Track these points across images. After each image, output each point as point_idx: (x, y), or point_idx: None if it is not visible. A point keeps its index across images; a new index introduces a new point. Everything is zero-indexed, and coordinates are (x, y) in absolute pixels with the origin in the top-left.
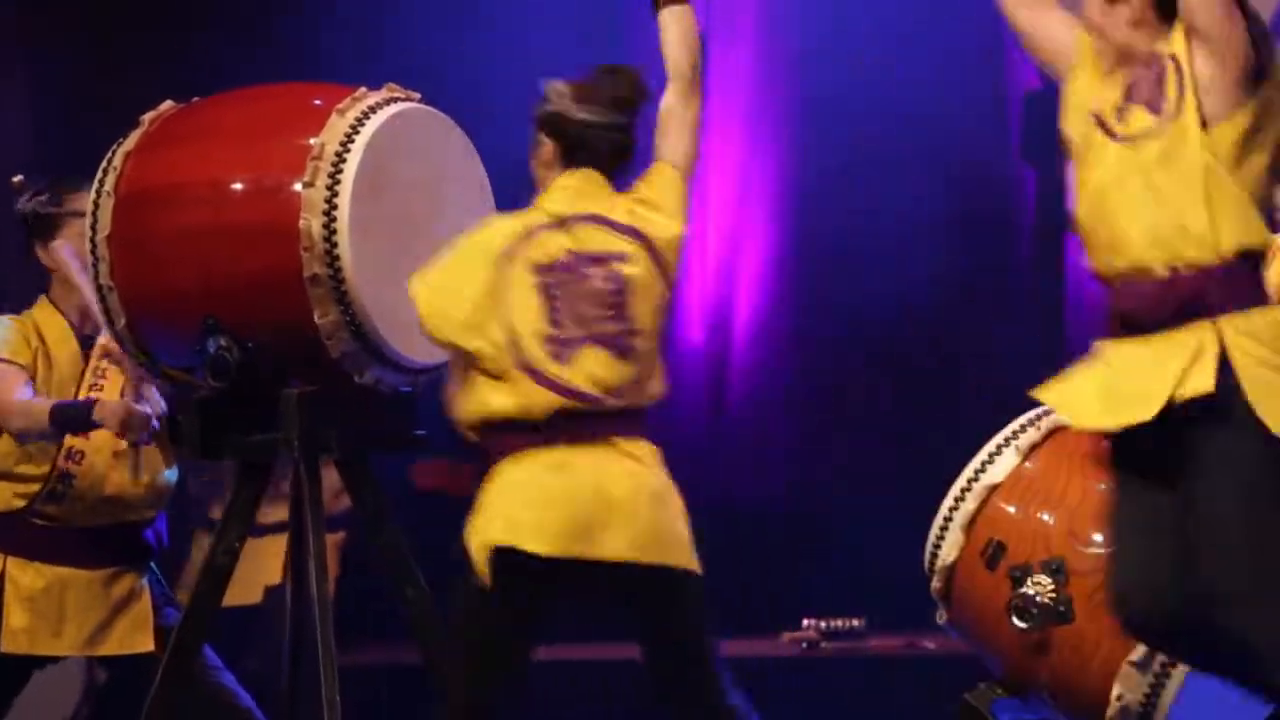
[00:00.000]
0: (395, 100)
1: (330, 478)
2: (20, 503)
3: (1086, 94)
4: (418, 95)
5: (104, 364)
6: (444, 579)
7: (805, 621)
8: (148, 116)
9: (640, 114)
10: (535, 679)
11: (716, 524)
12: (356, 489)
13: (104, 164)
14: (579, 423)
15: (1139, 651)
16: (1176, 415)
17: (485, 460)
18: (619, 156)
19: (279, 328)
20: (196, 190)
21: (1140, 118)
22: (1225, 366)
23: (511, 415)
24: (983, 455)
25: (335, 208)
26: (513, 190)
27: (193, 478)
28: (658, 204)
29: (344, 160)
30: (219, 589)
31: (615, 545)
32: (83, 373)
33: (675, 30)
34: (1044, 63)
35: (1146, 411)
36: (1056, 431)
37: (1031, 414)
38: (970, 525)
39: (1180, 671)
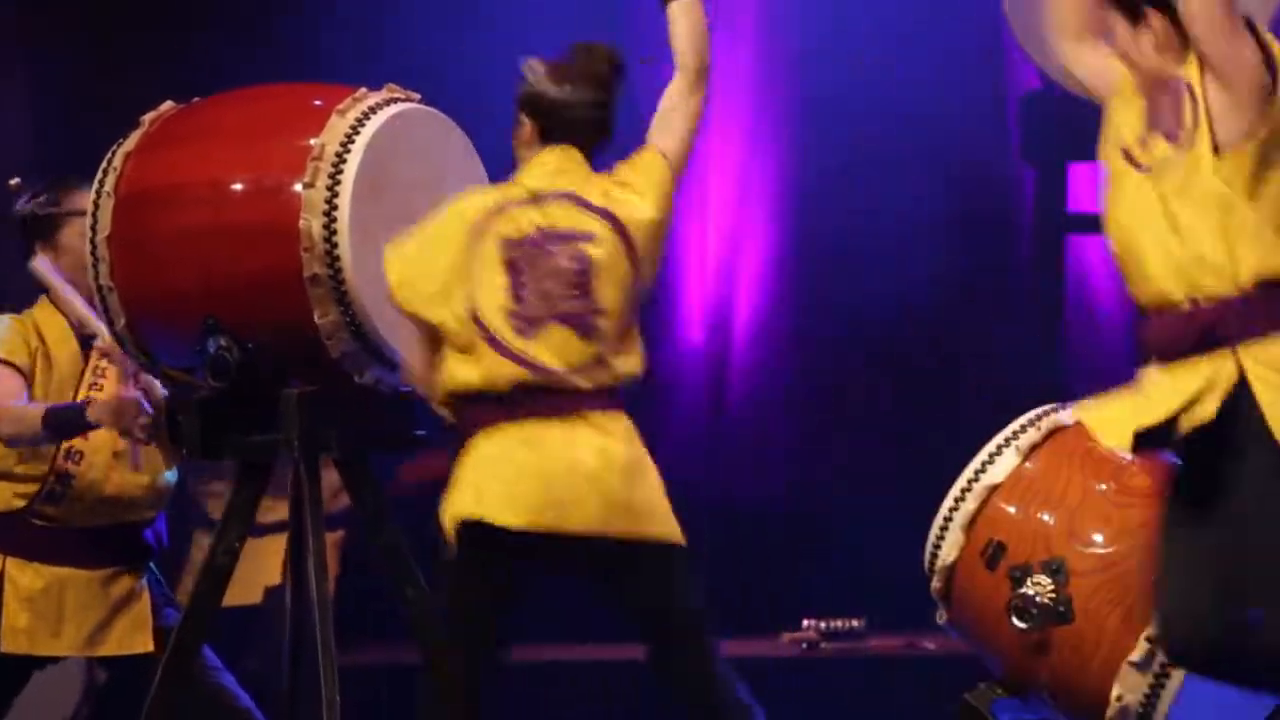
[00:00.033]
0: (395, 101)
1: (329, 476)
2: (20, 503)
3: (1120, 124)
4: (418, 95)
5: (104, 364)
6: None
7: (805, 622)
8: (148, 117)
9: (618, 90)
10: (535, 679)
11: (716, 524)
12: (356, 489)
13: (104, 164)
14: (549, 398)
15: (1139, 652)
16: (1208, 444)
17: (461, 440)
18: (597, 133)
19: (279, 328)
20: (196, 191)
21: (1160, 147)
22: (1249, 396)
23: (478, 388)
24: (983, 455)
25: (335, 208)
26: None
27: (192, 478)
28: (635, 187)
29: (344, 161)
30: (219, 589)
31: (586, 517)
32: (82, 372)
33: (684, 23)
34: (1091, 95)
35: (1149, 419)
36: (1057, 432)
37: (1031, 414)
38: (970, 525)
39: (1180, 672)
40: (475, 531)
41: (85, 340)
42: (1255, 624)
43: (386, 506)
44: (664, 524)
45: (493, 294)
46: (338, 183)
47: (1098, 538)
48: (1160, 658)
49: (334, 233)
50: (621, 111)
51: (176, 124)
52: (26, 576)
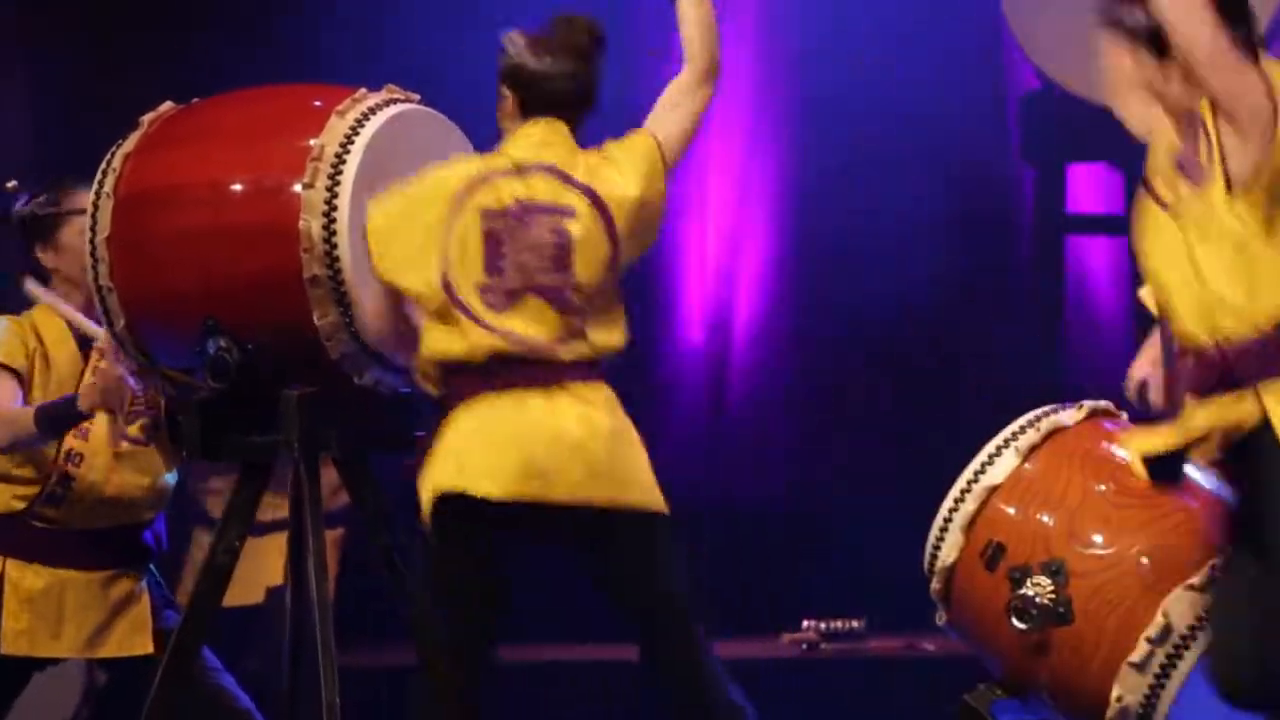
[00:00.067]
0: (395, 101)
1: (329, 475)
2: (20, 505)
3: (1152, 160)
4: (417, 96)
5: (103, 365)
6: None
7: (805, 623)
8: (147, 118)
9: (599, 62)
10: (535, 679)
11: (716, 524)
12: (356, 489)
13: (103, 165)
14: (529, 369)
15: (1138, 653)
16: (1241, 484)
17: (441, 412)
18: (579, 105)
19: (279, 329)
20: (196, 191)
21: (1182, 186)
22: (1272, 434)
23: (459, 358)
24: (983, 456)
25: (335, 209)
26: None
27: (192, 476)
28: (620, 165)
29: (344, 161)
30: (219, 589)
31: (570, 486)
32: (81, 373)
33: (694, 14)
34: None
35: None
36: (1056, 433)
37: (1031, 415)
38: (970, 526)
39: (1180, 672)
40: (457, 504)
41: (84, 341)
42: None
43: (386, 506)
44: (647, 493)
45: (467, 263)
46: (337, 183)
47: (1097, 539)
48: (1160, 659)
49: (333, 234)
50: (628, 107)
51: (176, 125)
52: (26, 578)
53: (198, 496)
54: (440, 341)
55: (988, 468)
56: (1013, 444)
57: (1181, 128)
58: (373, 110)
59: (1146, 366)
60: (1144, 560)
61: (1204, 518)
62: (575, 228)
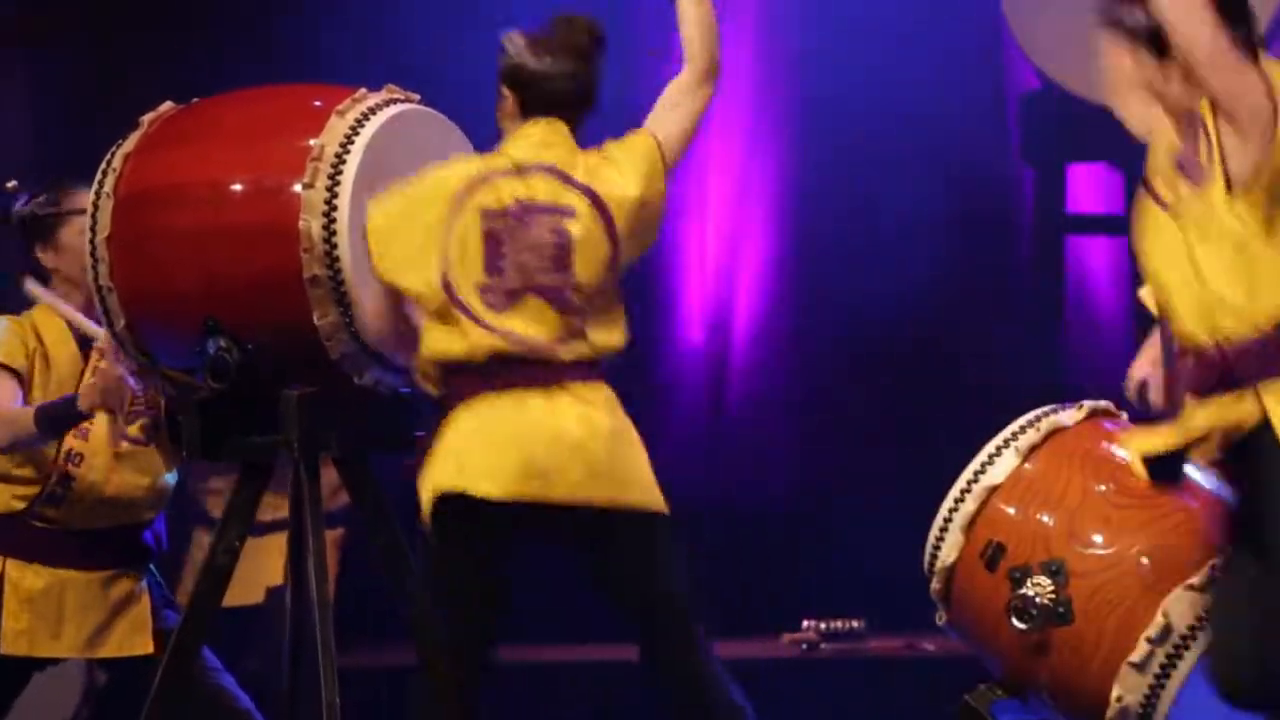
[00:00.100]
0: (395, 101)
1: (329, 474)
2: (20, 505)
3: (1152, 160)
4: (417, 96)
5: (103, 364)
6: None
7: (805, 623)
8: (147, 118)
9: (599, 62)
10: (535, 679)
11: (716, 524)
12: (356, 489)
13: (103, 165)
14: (529, 369)
15: (1138, 653)
16: (1240, 484)
17: (441, 413)
18: (579, 105)
19: (279, 329)
20: (196, 191)
21: (1182, 186)
22: (1272, 434)
23: (459, 358)
24: (982, 456)
25: (335, 209)
26: None
27: (191, 476)
28: (620, 165)
29: (344, 161)
30: (219, 589)
31: (570, 485)
32: (81, 373)
33: (694, 13)
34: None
35: (1149, 447)
36: (1056, 433)
37: (1031, 415)
38: (970, 526)
39: (1180, 673)
40: (457, 504)
41: (84, 341)
42: None
43: (386, 507)
44: (647, 493)
45: (467, 263)
46: (337, 183)
47: (1097, 539)
48: (1159, 659)
49: (333, 234)
50: (628, 107)
51: (176, 125)
52: (26, 578)
53: (198, 496)
54: (440, 341)
55: (988, 468)
56: (1013, 444)
57: (1181, 128)
58: (373, 110)
59: (1146, 366)
60: (1144, 560)
61: (1204, 518)
62: (575, 228)
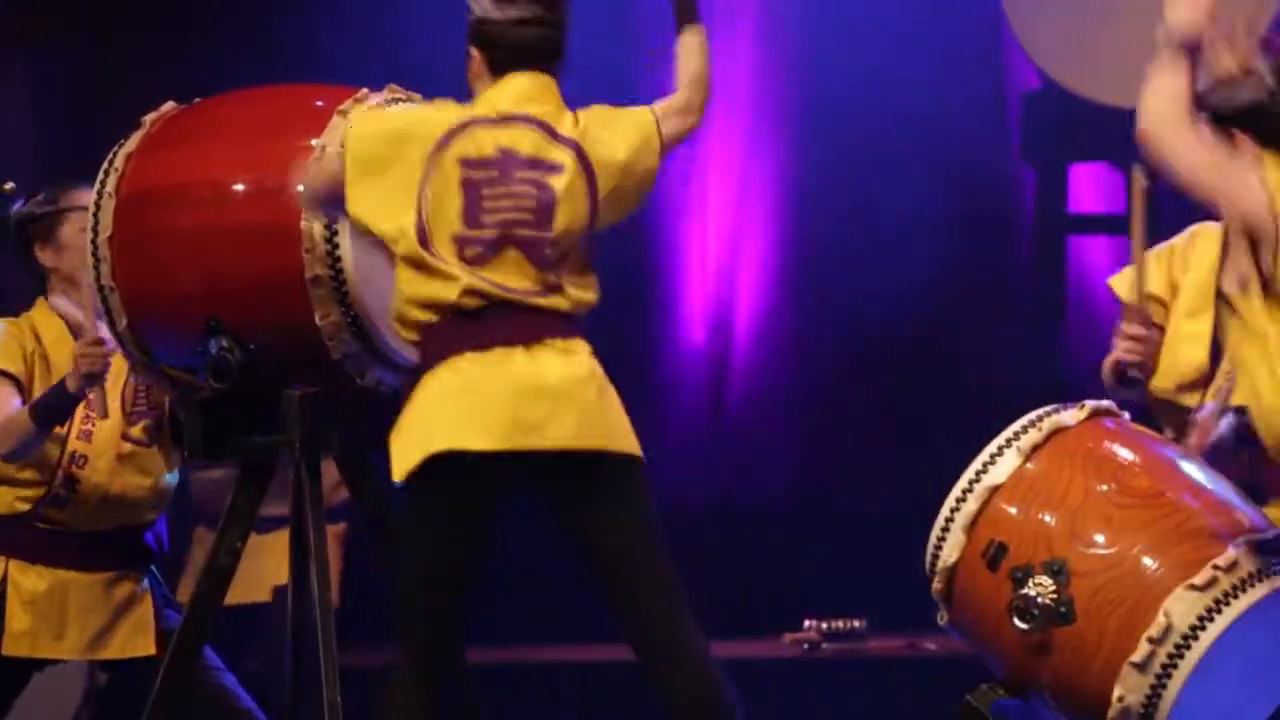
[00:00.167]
0: (396, 101)
1: (329, 470)
2: (24, 506)
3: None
4: (419, 96)
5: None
6: None
7: (806, 622)
8: (149, 117)
9: (566, 12)
10: (535, 679)
11: (717, 524)
12: (357, 489)
13: (105, 165)
14: (509, 325)
15: (1140, 653)
16: None
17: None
18: (548, 53)
19: (281, 329)
20: (198, 191)
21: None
22: None
23: (434, 302)
24: (984, 456)
25: None
26: None
27: (193, 480)
28: (612, 127)
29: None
30: (220, 590)
31: (563, 432)
32: None
33: (691, 49)
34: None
35: None
36: (1058, 433)
37: (1033, 415)
38: (971, 526)
39: (1181, 673)
40: (446, 463)
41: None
42: None
43: (387, 506)
44: (630, 440)
45: (446, 216)
46: None
47: (1099, 539)
48: (1161, 658)
49: (335, 234)
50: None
51: (178, 124)
52: (29, 579)
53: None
54: (417, 285)
55: (989, 467)
56: (1014, 444)
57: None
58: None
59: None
60: (1146, 560)
61: (1206, 517)
62: (559, 183)
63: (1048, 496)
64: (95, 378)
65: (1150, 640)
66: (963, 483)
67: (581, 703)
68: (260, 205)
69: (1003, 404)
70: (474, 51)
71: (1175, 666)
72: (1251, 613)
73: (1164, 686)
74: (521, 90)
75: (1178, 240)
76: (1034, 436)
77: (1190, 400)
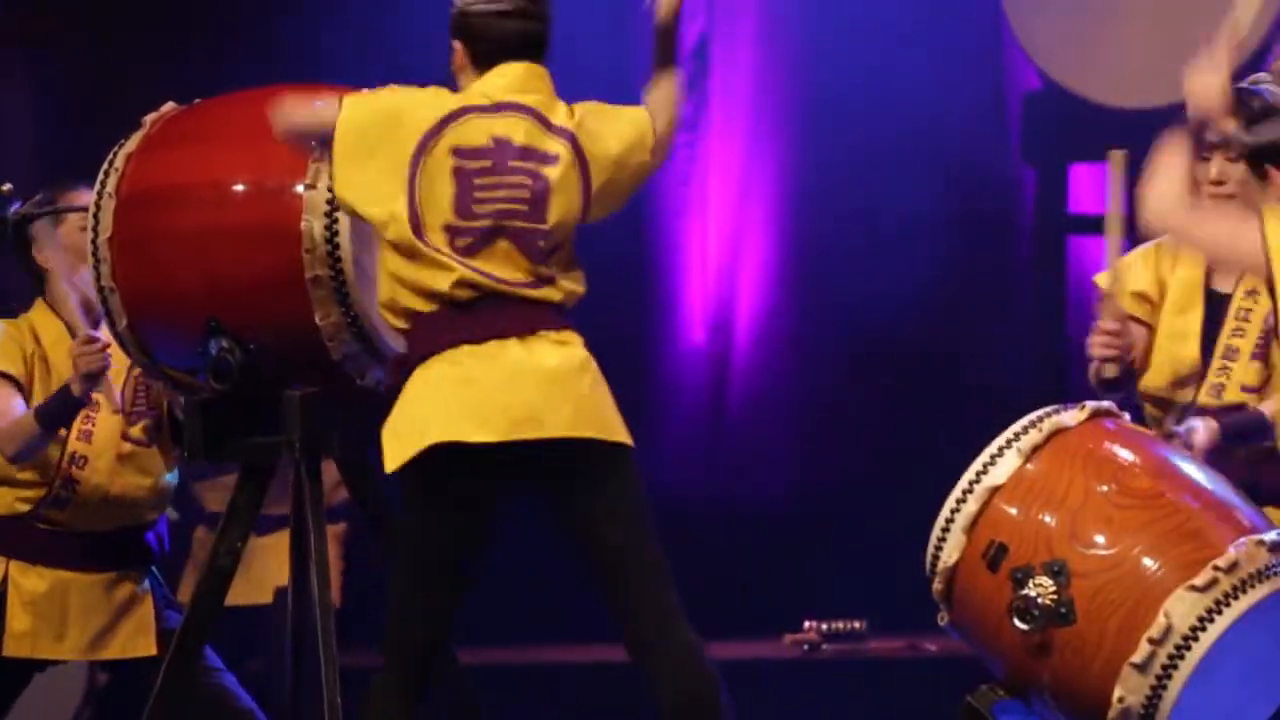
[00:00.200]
0: None
1: (330, 470)
2: (24, 507)
3: None
4: None
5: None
6: None
7: (806, 623)
8: (149, 118)
9: (548, 2)
10: (535, 679)
11: (717, 525)
12: (358, 489)
13: (105, 165)
14: (503, 317)
15: (1140, 653)
16: None
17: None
18: (532, 46)
19: (281, 329)
20: (198, 192)
21: None
22: None
23: (424, 288)
24: (984, 457)
25: (336, 209)
26: None
27: (193, 480)
28: (607, 121)
29: None
30: (220, 590)
31: (561, 421)
32: None
33: (663, 87)
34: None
35: None
36: (1058, 433)
37: (1033, 415)
38: (972, 527)
39: (1182, 673)
40: (444, 456)
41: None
42: None
43: (388, 506)
44: (624, 430)
45: (437, 205)
46: None
47: (1099, 539)
48: (1161, 659)
49: (335, 234)
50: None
51: (178, 125)
52: (30, 580)
53: (199, 495)
54: (404, 269)
55: (990, 468)
56: (1015, 444)
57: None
58: None
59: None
60: (1146, 561)
61: (1206, 518)
62: (553, 174)
63: (1048, 497)
64: (96, 377)
65: (1151, 641)
66: (963, 483)
67: (581, 703)
68: (260, 206)
69: (1002, 404)
70: (456, 44)
71: (1176, 667)
72: (1252, 613)
73: (1164, 687)
74: (515, 79)
75: (1166, 238)
76: (1034, 437)
77: (1185, 396)
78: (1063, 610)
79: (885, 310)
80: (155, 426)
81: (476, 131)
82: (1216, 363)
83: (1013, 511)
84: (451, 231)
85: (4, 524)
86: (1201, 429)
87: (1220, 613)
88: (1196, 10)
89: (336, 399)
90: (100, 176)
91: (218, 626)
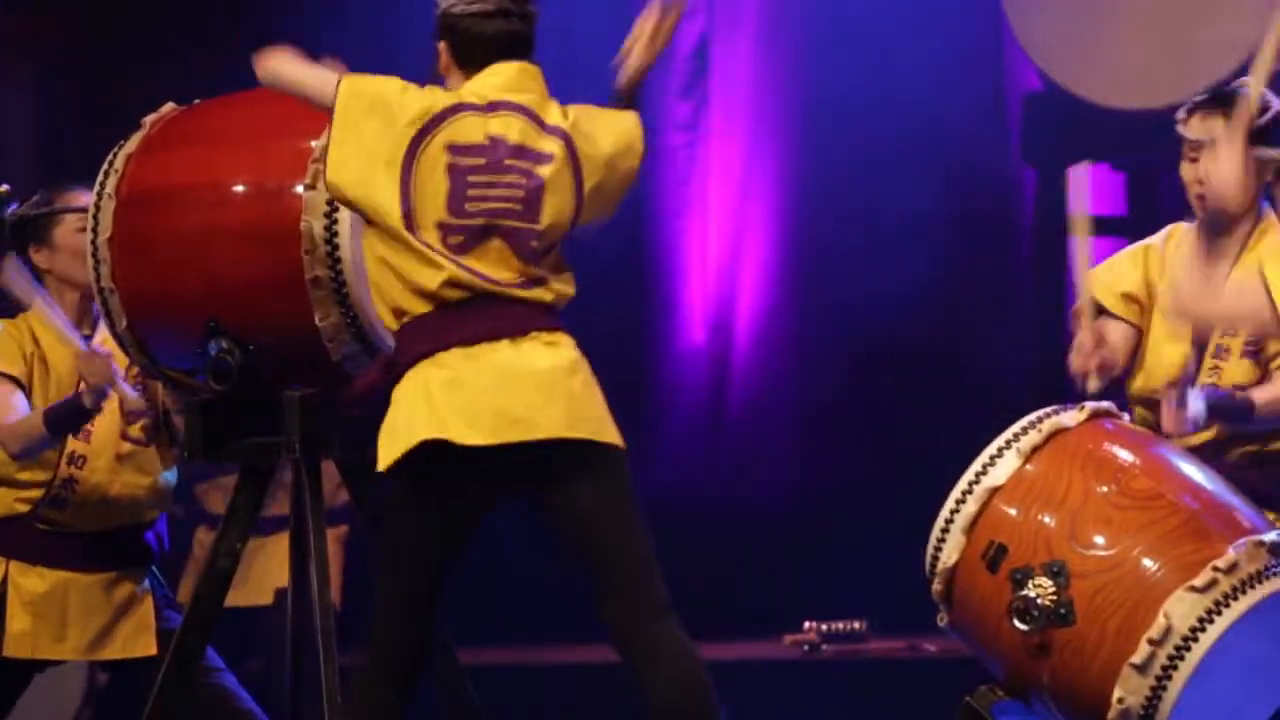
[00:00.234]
0: None
1: (330, 471)
2: (24, 508)
3: None
4: None
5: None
6: None
7: (806, 624)
8: (149, 119)
9: (531, 3)
10: (535, 680)
11: (717, 525)
12: (358, 491)
13: (105, 166)
14: (494, 318)
15: (1140, 654)
16: None
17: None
18: (516, 46)
19: (280, 330)
20: (198, 192)
21: None
22: None
23: (414, 283)
24: (984, 458)
25: (336, 210)
26: None
27: (193, 481)
28: (599, 123)
29: None
30: (220, 591)
31: (552, 422)
32: None
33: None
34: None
35: None
36: (1058, 434)
37: (1033, 416)
38: (971, 528)
39: (1182, 674)
40: (435, 455)
41: (82, 341)
42: None
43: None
44: (615, 431)
45: (431, 202)
46: None
47: (1099, 540)
48: (1161, 660)
49: (335, 234)
50: None
51: (178, 126)
52: (30, 580)
53: (199, 496)
54: (395, 257)
55: (989, 469)
56: (1014, 445)
57: None
58: None
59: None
60: (1145, 562)
61: (1205, 519)
62: (548, 173)
63: (1047, 498)
64: (105, 391)
65: (1150, 642)
66: (963, 484)
67: (581, 703)
68: (260, 206)
69: (1002, 404)
70: (441, 47)
71: (1175, 668)
72: (1251, 614)
73: (1164, 688)
74: (509, 78)
75: (1154, 239)
76: (1034, 438)
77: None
78: (1062, 611)
79: (885, 310)
80: (154, 426)
81: (472, 128)
82: (1208, 362)
83: (1012, 512)
84: (444, 229)
85: (4, 524)
86: (1196, 397)
87: (1220, 613)
88: (1196, 10)
89: (336, 399)
90: (100, 177)
91: (218, 628)
